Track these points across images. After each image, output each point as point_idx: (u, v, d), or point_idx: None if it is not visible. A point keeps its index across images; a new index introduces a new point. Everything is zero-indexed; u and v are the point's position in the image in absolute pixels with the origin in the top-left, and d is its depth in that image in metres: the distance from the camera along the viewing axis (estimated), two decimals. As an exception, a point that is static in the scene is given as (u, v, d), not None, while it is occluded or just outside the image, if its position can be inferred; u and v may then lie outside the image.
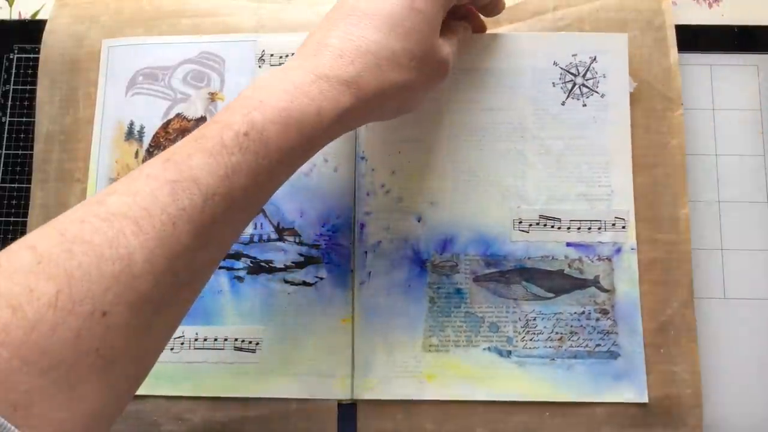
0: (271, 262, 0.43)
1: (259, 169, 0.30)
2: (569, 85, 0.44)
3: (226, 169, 0.29)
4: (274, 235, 0.43)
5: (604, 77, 0.44)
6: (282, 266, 0.43)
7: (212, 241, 0.29)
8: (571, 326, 0.42)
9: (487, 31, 0.45)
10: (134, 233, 0.26)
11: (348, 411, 0.41)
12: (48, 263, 0.25)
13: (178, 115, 0.45)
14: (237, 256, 0.43)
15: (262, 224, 0.43)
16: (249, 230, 0.43)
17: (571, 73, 0.44)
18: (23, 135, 0.48)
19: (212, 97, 0.45)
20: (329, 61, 0.33)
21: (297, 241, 0.43)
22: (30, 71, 0.49)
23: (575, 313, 0.42)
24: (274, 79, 0.33)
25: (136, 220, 0.27)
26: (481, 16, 0.44)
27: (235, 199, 0.30)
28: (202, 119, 0.45)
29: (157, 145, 0.45)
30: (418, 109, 0.39)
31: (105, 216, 0.27)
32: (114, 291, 0.25)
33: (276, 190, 0.33)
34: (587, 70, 0.44)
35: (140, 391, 0.29)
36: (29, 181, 0.46)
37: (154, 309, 0.27)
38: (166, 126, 0.45)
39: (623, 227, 0.42)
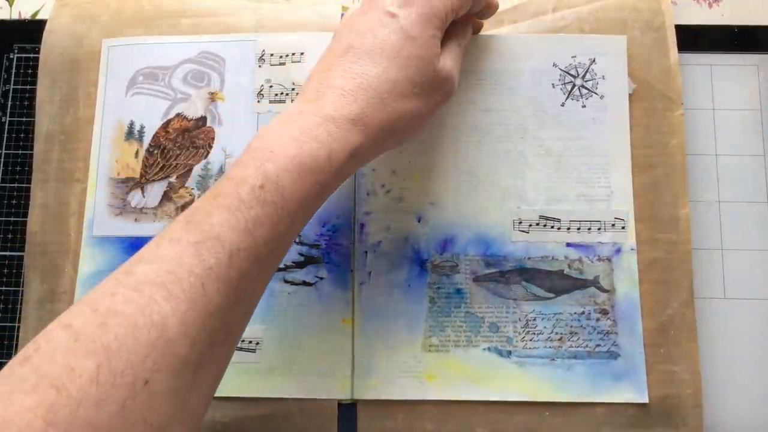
0: (271, 262, 0.43)
1: (278, 219, 0.30)
2: (569, 87, 0.44)
3: (246, 223, 0.29)
4: (274, 235, 0.43)
5: (603, 79, 0.44)
6: (282, 266, 0.43)
7: (242, 296, 0.30)
8: (571, 326, 0.42)
9: (488, 33, 0.45)
10: (165, 299, 0.27)
11: (348, 411, 0.41)
12: (85, 339, 0.25)
13: (178, 115, 0.45)
14: (237, 256, 0.43)
15: (262, 224, 0.43)
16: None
17: (571, 75, 0.44)
18: (23, 135, 0.48)
19: (212, 97, 0.45)
20: (333, 101, 0.33)
21: (297, 240, 0.43)
22: (30, 71, 0.49)
23: (575, 313, 0.42)
24: (280, 126, 0.33)
25: (164, 286, 0.27)
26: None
27: (260, 251, 0.30)
28: (202, 119, 0.45)
29: (157, 145, 0.45)
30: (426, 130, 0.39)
31: (134, 285, 0.27)
32: (153, 358, 0.26)
33: (297, 235, 0.33)
34: (586, 71, 0.44)
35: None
36: (29, 181, 0.46)
37: (194, 370, 0.27)
38: (166, 126, 0.45)
39: (623, 227, 0.43)
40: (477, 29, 0.45)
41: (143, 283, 0.27)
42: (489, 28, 0.45)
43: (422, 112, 0.36)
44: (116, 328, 0.26)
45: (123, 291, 0.27)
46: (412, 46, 0.35)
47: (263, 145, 0.32)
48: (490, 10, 0.42)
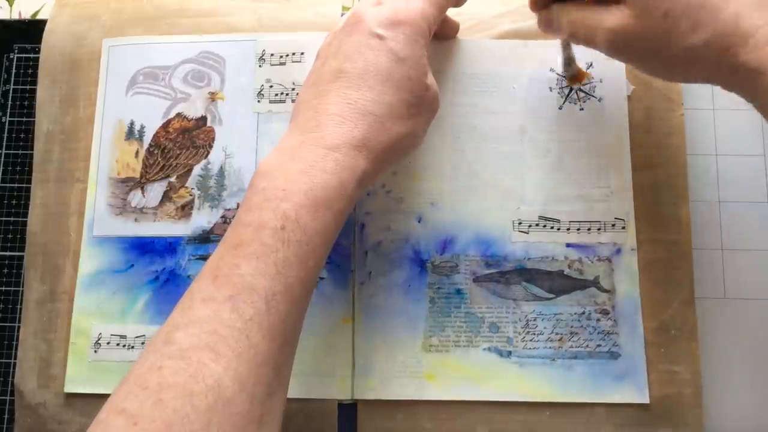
0: (271, 262, 0.43)
1: (305, 256, 0.31)
2: (566, 90, 0.44)
3: (276, 266, 0.30)
4: (274, 235, 0.43)
5: (601, 82, 0.44)
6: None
7: (285, 338, 0.30)
8: (572, 327, 0.42)
9: (488, 36, 0.45)
10: (214, 360, 0.27)
11: (348, 411, 0.41)
12: (144, 421, 0.25)
13: (178, 115, 0.45)
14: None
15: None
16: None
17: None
18: (23, 135, 0.48)
19: (212, 97, 0.45)
20: (334, 129, 0.33)
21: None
22: (30, 71, 0.49)
23: (575, 313, 0.42)
24: (283, 161, 0.33)
25: (210, 347, 0.27)
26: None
27: (294, 290, 0.30)
28: (202, 119, 0.45)
29: (157, 145, 0.45)
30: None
31: (179, 354, 0.27)
32: (216, 422, 0.26)
33: (323, 265, 0.33)
34: None
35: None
36: (29, 181, 0.46)
37: (258, 424, 0.27)
38: (166, 125, 0.45)
39: (623, 228, 0.43)
40: (455, 33, 0.45)
41: (187, 349, 0.27)
42: (492, 29, 0.45)
43: (417, 130, 0.36)
44: (173, 402, 0.25)
45: (169, 362, 0.27)
46: (404, 67, 0.35)
47: (272, 185, 0.32)
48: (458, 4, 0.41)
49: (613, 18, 0.34)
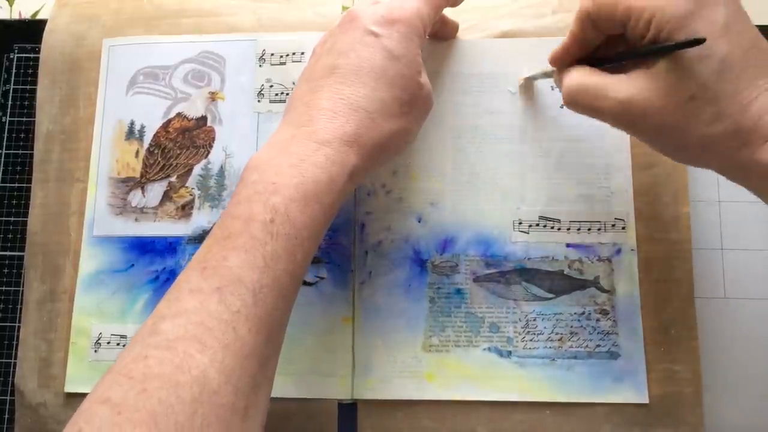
0: (271, 261, 0.43)
1: (293, 249, 0.31)
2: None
3: (264, 259, 0.30)
4: (274, 235, 0.43)
5: None
6: (282, 266, 0.43)
7: (271, 331, 0.30)
8: (572, 327, 0.42)
9: (487, 36, 0.45)
10: (200, 351, 0.27)
11: (348, 411, 0.41)
12: (128, 411, 0.25)
13: (178, 115, 0.45)
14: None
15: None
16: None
17: (570, 77, 0.45)
18: (23, 135, 0.48)
19: (213, 97, 0.45)
20: (325, 124, 0.33)
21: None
22: (30, 71, 0.49)
23: (575, 313, 0.42)
24: (274, 155, 0.33)
25: (197, 338, 0.27)
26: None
27: (281, 283, 0.30)
28: (202, 118, 0.45)
29: (157, 145, 0.45)
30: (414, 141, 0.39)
31: (165, 344, 0.27)
32: (201, 414, 0.25)
33: (311, 258, 0.33)
34: None
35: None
36: (29, 181, 0.46)
37: (242, 417, 0.27)
38: (166, 125, 0.45)
39: (623, 228, 0.43)
40: (454, 33, 0.45)
41: (174, 340, 0.27)
42: (490, 29, 0.45)
43: (410, 128, 0.36)
44: (158, 392, 0.25)
45: (155, 352, 0.27)
46: (398, 65, 0.35)
47: (262, 178, 0.32)
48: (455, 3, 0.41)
49: (626, 88, 0.32)
